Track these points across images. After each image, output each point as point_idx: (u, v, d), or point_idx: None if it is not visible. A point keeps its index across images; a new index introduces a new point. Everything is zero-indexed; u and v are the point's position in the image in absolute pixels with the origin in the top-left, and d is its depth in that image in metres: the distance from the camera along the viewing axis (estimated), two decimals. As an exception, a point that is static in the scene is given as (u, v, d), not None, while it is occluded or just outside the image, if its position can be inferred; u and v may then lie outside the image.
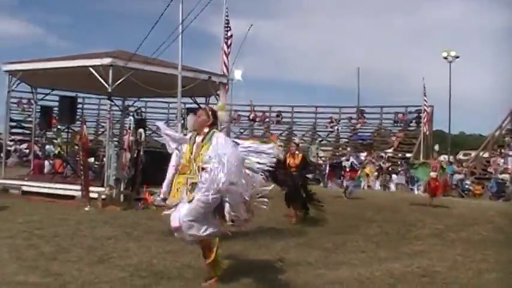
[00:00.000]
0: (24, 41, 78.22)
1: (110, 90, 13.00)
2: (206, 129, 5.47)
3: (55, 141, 18.66)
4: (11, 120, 22.24)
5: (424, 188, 16.59)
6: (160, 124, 6.11)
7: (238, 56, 17.46)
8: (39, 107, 18.23)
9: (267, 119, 36.50)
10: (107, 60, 12.88)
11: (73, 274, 5.84)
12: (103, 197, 11.79)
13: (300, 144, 16.20)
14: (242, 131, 36.49)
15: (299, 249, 7.90)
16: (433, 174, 15.24)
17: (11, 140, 24.35)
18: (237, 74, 34.96)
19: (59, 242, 7.51)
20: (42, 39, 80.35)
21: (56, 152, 17.99)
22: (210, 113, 5.58)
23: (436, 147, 17.77)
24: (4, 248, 7.01)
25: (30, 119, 28.37)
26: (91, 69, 13.06)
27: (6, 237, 7.77)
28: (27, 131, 28.12)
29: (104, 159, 13.63)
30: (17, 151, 25.86)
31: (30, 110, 28.51)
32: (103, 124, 29.78)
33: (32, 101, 23.79)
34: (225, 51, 23.92)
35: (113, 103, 14.81)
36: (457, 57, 34.00)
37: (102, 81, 12.96)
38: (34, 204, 11.90)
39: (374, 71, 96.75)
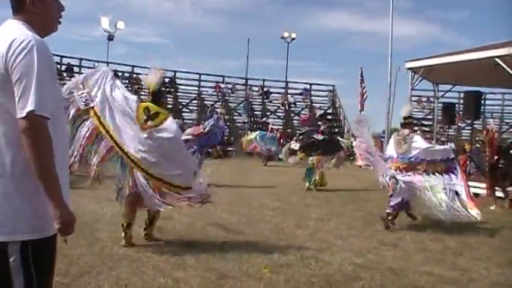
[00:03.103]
0: (419, 40, 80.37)
1: (518, 81, 11.96)
2: None
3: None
4: (412, 118, 22.93)
5: None
6: None
7: None
8: (440, 104, 18.27)
9: None
10: (514, 49, 11.94)
11: (480, 272, 5.49)
12: (511, 197, 10.90)
13: None
14: None
15: None
16: None
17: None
18: None
19: (464, 239, 7.21)
20: (437, 37, 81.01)
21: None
22: None
23: None
24: (409, 239, 7.14)
25: (430, 116, 28.97)
26: (497, 59, 12.24)
27: (411, 229, 7.89)
28: (427, 129, 28.72)
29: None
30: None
31: (430, 107, 29.03)
32: (507, 120, 28.07)
33: (432, 98, 24.29)
34: None
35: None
36: None
37: (511, 71, 12.02)
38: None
39: None
